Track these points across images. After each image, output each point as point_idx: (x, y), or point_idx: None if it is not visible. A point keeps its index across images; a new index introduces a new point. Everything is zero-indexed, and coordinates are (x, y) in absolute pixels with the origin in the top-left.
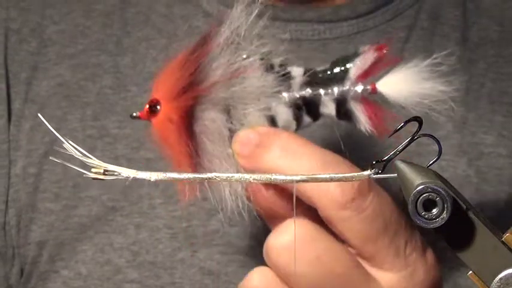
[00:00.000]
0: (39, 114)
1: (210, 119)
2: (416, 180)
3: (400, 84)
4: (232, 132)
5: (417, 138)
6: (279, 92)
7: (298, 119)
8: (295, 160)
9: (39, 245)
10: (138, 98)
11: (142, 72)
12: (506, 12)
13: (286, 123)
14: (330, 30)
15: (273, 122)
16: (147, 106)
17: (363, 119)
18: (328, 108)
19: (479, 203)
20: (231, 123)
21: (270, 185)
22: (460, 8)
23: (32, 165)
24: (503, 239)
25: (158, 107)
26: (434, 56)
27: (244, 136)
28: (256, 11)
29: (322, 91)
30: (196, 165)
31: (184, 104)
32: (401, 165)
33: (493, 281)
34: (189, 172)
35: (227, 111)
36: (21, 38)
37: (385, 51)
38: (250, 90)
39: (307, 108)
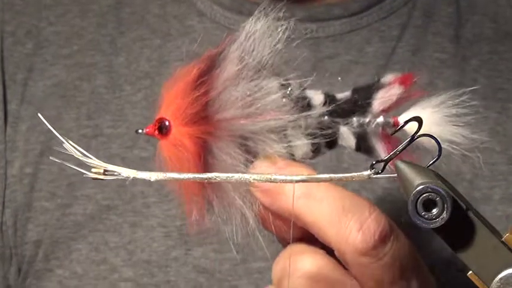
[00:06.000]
0: (39, 115)
1: (224, 152)
2: (416, 180)
3: (424, 122)
4: (248, 165)
5: (417, 138)
6: (298, 121)
7: (315, 149)
8: (315, 203)
9: (35, 244)
10: (132, 97)
11: (136, 71)
12: (500, 9)
13: (304, 154)
14: (323, 29)
15: (290, 151)
16: (157, 125)
17: (382, 156)
18: (347, 141)
19: (473, 199)
20: (247, 154)
21: (278, 217)
22: (454, 5)
23: (29, 165)
24: (503, 239)
25: (167, 126)
26: (462, 90)
27: (264, 168)
28: (281, 33)
29: (341, 122)
30: (206, 195)
31: (199, 133)
32: (402, 165)
33: (493, 281)
34: (190, 173)
35: (244, 139)
36: (16, 40)
37: (411, 84)
38: (268, 122)
39: (325, 138)
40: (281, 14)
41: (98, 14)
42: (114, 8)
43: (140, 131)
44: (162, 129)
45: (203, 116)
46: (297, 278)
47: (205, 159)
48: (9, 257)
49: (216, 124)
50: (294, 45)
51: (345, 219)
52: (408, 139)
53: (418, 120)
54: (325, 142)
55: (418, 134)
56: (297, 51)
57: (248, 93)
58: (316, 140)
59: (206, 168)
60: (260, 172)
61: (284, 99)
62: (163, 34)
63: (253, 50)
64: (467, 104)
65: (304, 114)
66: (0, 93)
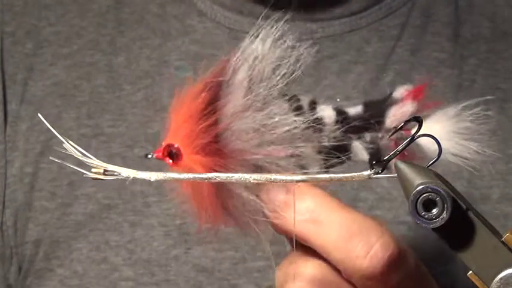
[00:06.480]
0: (39, 115)
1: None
2: (416, 180)
3: (437, 136)
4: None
5: (417, 138)
6: (310, 139)
7: (328, 165)
8: (322, 228)
9: (35, 243)
10: (132, 97)
11: (136, 71)
12: (497, 9)
13: (317, 171)
14: (323, 29)
15: (302, 168)
16: (167, 150)
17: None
18: (360, 155)
19: (471, 197)
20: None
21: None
22: (452, 5)
23: (29, 164)
24: (503, 239)
25: (178, 152)
26: (475, 101)
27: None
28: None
29: (354, 137)
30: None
31: (211, 164)
32: (402, 165)
33: (493, 281)
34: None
35: (257, 167)
36: (16, 40)
37: (423, 97)
38: (280, 154)
39: (338, 155)
40: (285, 29)
41: (98, 13)
42: (113, 8)
43: (150, 155)
44: (173, 155)
45: (214, 149)
46: (299, 283)
47: (220, 190)
48: (10, 257)
49: (227, 156)
50: (297, 47)
51: (351, 244)
52: (408, 139)
53: (419, 120)
54: (338, 157)
55: (418, 134)
56: (300, 53)
57: (258, 122)
58: (330, 163)
59: (221, 198)
60: (273, 197)
61: (295, 127)
62: (163, 34)
63: (260, 80)
64: (480, 115)
65: (316, 143)
66: (0, 93)
